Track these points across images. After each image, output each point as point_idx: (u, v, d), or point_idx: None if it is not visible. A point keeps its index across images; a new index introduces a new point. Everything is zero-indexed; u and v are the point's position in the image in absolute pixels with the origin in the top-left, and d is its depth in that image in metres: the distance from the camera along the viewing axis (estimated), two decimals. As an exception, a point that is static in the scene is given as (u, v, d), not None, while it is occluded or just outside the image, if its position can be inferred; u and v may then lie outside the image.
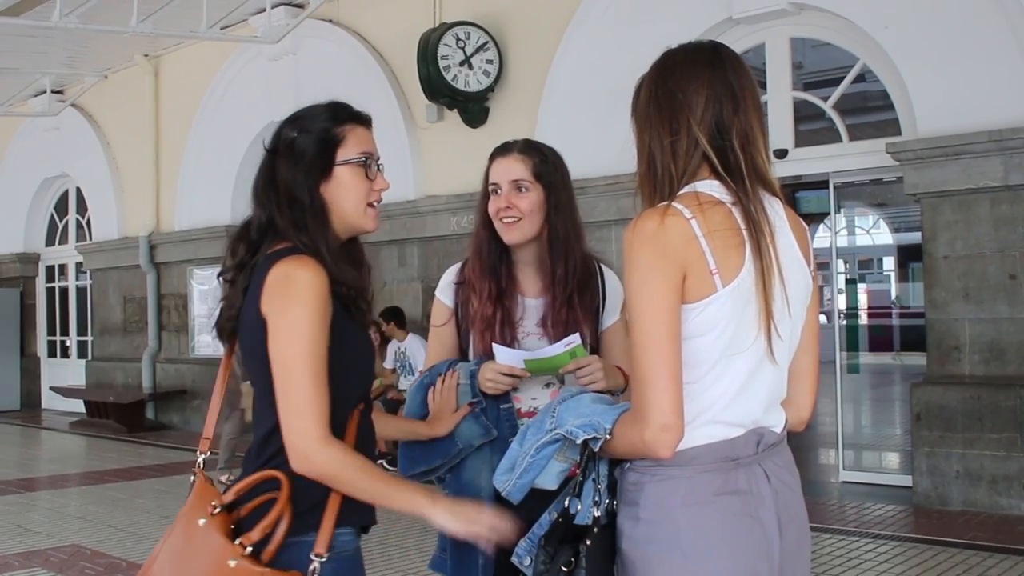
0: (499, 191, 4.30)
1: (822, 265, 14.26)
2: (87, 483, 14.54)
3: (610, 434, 2.98)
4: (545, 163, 4.36)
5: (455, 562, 4.11)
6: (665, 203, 2.99)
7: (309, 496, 3.14)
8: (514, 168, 4.31)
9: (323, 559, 3.12)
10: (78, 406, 22.09)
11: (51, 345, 25.43)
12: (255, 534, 3.08)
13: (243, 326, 3.27)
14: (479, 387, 4.11)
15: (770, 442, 3.09)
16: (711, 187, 3.03)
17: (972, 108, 10.53)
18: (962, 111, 10.57)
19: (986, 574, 8.44)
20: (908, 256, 23.52)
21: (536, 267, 4.36)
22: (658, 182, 3.08)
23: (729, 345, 2.97)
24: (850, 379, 13.93)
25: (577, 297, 4.27)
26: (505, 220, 4.26)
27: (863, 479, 12.24)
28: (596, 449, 3.01)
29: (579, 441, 3.01)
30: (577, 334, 4.11)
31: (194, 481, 3.29)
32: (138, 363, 21.05)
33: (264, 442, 3.23)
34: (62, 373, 24.28)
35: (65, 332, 25.02)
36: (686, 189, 3.03)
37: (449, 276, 4.48)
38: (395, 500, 3.21)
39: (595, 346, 4.30)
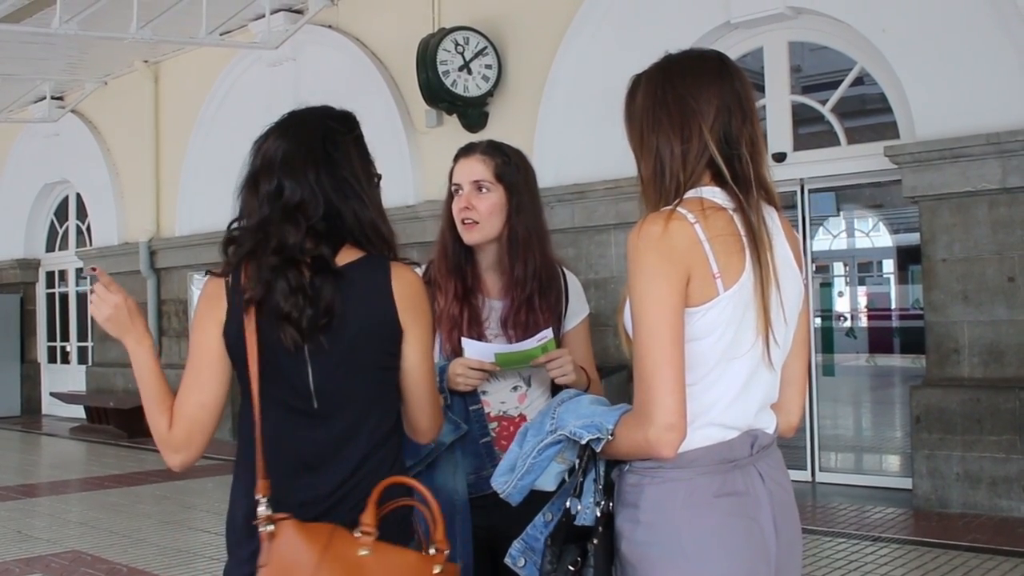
0: (460, 191, 4.33)
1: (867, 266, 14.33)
2: (87, 489, 14.54)
3: (612, 435, 3.00)
4: (508, 164, 4.37)
5: None
6: (669, 207, 3.01)
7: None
8: (476, 169, 4.33)
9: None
10: (78, 412, 22.08)
11: (51, 351, 25.40)
12: (440, 535, 3.15)
13: (352, 335, 3.22)
14: (448, 385, 4.13)
15: (764, 444, 3.12)
16: (713, 193, 3.07)
17: (970, 111, 10.54)
18: (960, 114, 10.58)
19: (986, 576, 8.47)
20: (907, 258, 23.53)
21: (497, 268, 4.37)
22: (665, 187, 3.10)
23: (728, 348, 3.00)
24: (828, 381, 13.95)
25: (539, 299, 4.27)
26: (465, 221, 4.29)
27: (864, 482, 12.25)
28: (598, 450, 3.03)
29: (584, 442, 3.02)
30: (549, 329, 4.16)
31: (269, 530, 3.10)
32: (138, 369, 21.01)
33: (371, 452, 3.25)
34: (62, 379, 24.27)
35: (65, 338, 25.00)
36: (691, 194, 3.06)
37: None
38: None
39: (557, 344, 4.29)
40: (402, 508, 3.20)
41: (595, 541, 3.03)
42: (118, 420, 20.08)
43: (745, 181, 3.09)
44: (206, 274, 3.43)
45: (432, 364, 3.43)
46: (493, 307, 4.33)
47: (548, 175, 13.74)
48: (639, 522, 3.00)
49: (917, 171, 10.72)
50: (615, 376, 12.65)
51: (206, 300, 3.35)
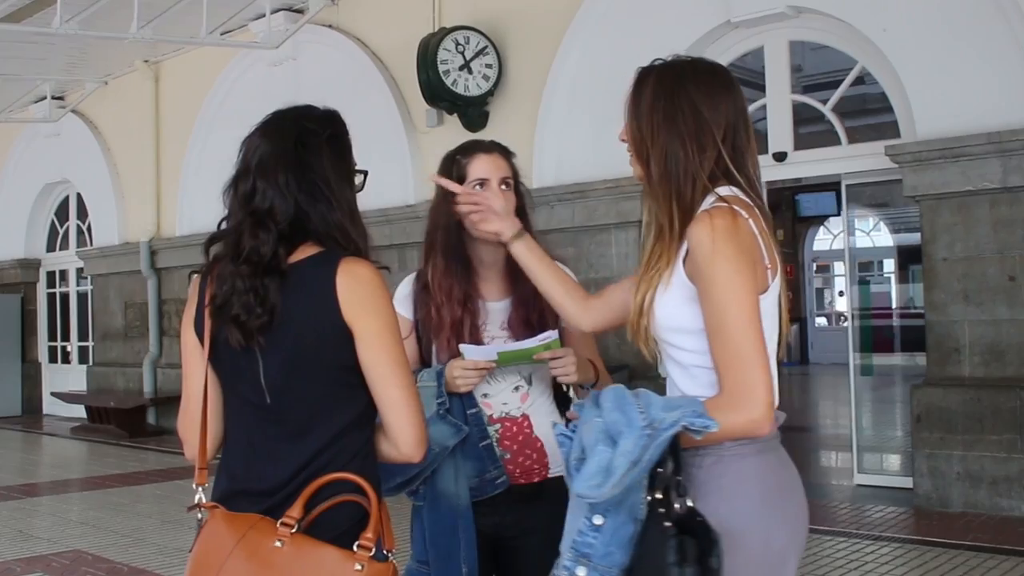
0: (486, 186, 4.26)
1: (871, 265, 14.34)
2: (88, 488, 14.55)
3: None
4: (514, 166, 4.39)
5: (438, 572, 4.11)
6: (724, 204, 3.12)
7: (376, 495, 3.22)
8: (501, 165, 4.32)
9: (393, 554, 3.19)
10: (79, 411, 22.07)
11: (52, 351, 25.41)
12: (371, 534, 3.11)
13: (297, 333, 3.22)
14: (447, 388, 4.10)
15: (780, 424, 3.24)
16: (738, 193, 3.21)
17: (971, 110, 10.54)
18: (961, 113, 10.58)
19: (987, 575, 8.46)
20: (908, 258, 23.54)
21: (500, 269, 4.34)
22: (679, 186, 3.21)
23: (769, 338, 3.15)
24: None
25: (541, 297, 4.20)
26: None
27: (865, 481, 12.24)
28: (699, 439, 3.03)
29: (700, 434, 2.98)
30: (556, 331, 4.14)
31: (204, 519, 3.26)
32: (139, 368, 21.07)
33: (323, 449, 3.22)
34: (63, 379, 24.27)
35: (66, 338, 25.01)
36: (724, 191, 3.18)
37: (405, 288, 4.43)
38: None
39: (561, 342, 4.27)
40: (347, 505, 3.17)
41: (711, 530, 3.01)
42: (119, 420, 20.09)
43: (756, 186, 3.28)
44: (190, 274, 3.55)
45: (395, 363, 3.25)
46: (489, 310, 4.30)
47: (548, 174, 13.75)
48: (723, 500, 3.08)
49: (918, 170, 10.71)
50: (615, 375, 12.64)
51: (188, 299, 3.50)
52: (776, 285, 3.18)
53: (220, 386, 3.40)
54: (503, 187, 4.27)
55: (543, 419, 4.28)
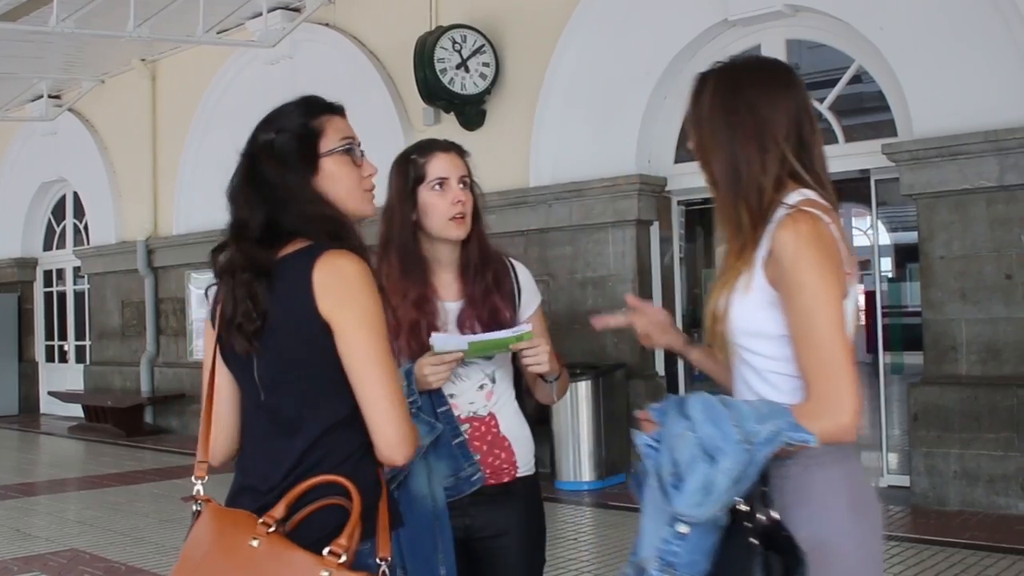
0: (444, 185, 4.20)
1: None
2: (86, 487, 14.55)
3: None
4: (468, 165, 4.35)
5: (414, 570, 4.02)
6: (807, 209, 3.09)
7: (369, 500, 3.15)
8: (459, 163, 4.28)
9: (389, 562, 3.14)
10: (76, 410, 22.09)
11: (49, 350, 25.43)
12: (345, 540, 3.03)
13: (279, 331, 3.19)
14: (418, 386, 4.03)
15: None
16: (813, 195, 3.17)
17: (968, 109, 10.54)
18: (958, 112, 10.58)
19: (984, 573, 8.46)
20: (905, 256, 23.53)
21: (456, 269, 4.28)
22: (745, 189, 3.18)
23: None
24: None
25: (496, 295, 4.23)
26: (458, 216, 4.18)
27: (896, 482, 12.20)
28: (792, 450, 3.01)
29: (797, 444, 2.94)
30: (528, 324, 4.14)
31: (199, 511, 3.24)
32: (136, 367, 21.08)
33: (312, 447, 3.18)
34: (60, 378, 24.30)
35: (63, 337, 25.02)
36: (795, 196, 3.15)
37: None
38: None
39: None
40: (334, 508, 3.12)
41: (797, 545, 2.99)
42: (116, 419, 20.10)
43: (827, 185, 3.24)
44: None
45: (371, 358, 3.14)
46: (448, 309, 4.24)
47: (545, 173, 13.77)
48: (814, 510, 3.05)
49: (915, 169, 10.72)
50: (612, 375, 12.67)
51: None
52: (854, 290, 3.16)
53: (234, 382, 3.41)
54: (461, 185, 4.22)
55: (508, 416, 4.27)
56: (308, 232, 3.24)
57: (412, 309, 4.15)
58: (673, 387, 13.15)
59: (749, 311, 3.14)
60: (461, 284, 4.27)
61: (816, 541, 2.96)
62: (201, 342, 19.00)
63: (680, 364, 13.11)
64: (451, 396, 4.14)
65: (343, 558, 3.01)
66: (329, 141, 3.36)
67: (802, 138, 3.21)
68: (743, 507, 2.91)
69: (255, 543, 3.05)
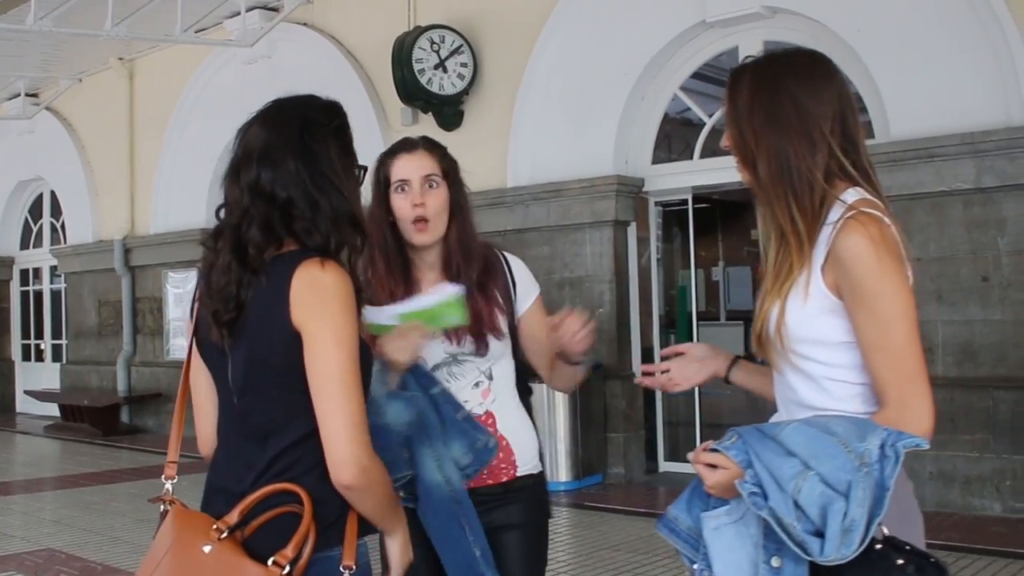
0: (407, 188, 4.14)
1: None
2: (62, 487, 14.52)
3: None
4: (447, 159, 4.27)
5: (451, 564, 3.95)
6: (869, 211, 3.01)
7: (331, 510, 3.10)
8: (424, 163, 4.19)
9: (353, 571, 3.10)
10: (52, 410, 22.06)
11: (25, 349, 25.37)
12: (290, 551, 2.99)
13: (252, 332, 3.14)
14: (393, 368, 3.87)
15: None
16: (865, 195, 3.10)
17: (944, 111, 10.57)
18: (934, 114, 10.61)
19: (959, 574, 8.48)
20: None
21: (440, 268, 4.21)
22: (795, 187, 3.08)
23: None
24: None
25: (485, 289, 4.18)
26: (417, 220, 4.11)
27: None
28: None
29: (922, 448, 2.93)
30: (461, 286, 4.02)
31: (166, 511, 3.24)
32: (113, 367, 21.03)
33: (282, 454, 3.13)
34: (36, 377, 24.22)
35: (39, 336, 24.95)
36: (852, 195, 3.07)
37: None
38: (395, 518, 3.30)
39: (513, 332, 4.25)
40: (292, 516, 3.07)
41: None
42: (92, 418, 20.07)
43: (875, 181, 3.17)
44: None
45: (329, 374, 3.04)
46: None
47: (523, 173, 13.78)
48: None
49: (891, 171, 10.73)
50: (589, 375, 12.67)
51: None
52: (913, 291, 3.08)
53: (192, 379, 3.37)
54: (428, 186, 4.15)
55: (508, 414, 4.21)
56: (332, 231, 3.19)
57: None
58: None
59: (808, 317, 3.06)
60: (448, 282, 4.16)
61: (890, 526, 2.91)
62: (179, 341, 19.02)
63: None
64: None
65: (286, 569, 2.98)
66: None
67: (847, 131, 3.13)
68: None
69: (207, 548, 3.03)
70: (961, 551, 9.04)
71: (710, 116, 13.08)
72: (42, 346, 24.89)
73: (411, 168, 4.17)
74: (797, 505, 2.75)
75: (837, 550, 2.70)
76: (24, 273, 25.35)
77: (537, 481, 4.26)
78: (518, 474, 4.17)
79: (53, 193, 23.85)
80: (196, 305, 3.32)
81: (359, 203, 3.31)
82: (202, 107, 19.04)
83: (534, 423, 4.37)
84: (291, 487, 3.07)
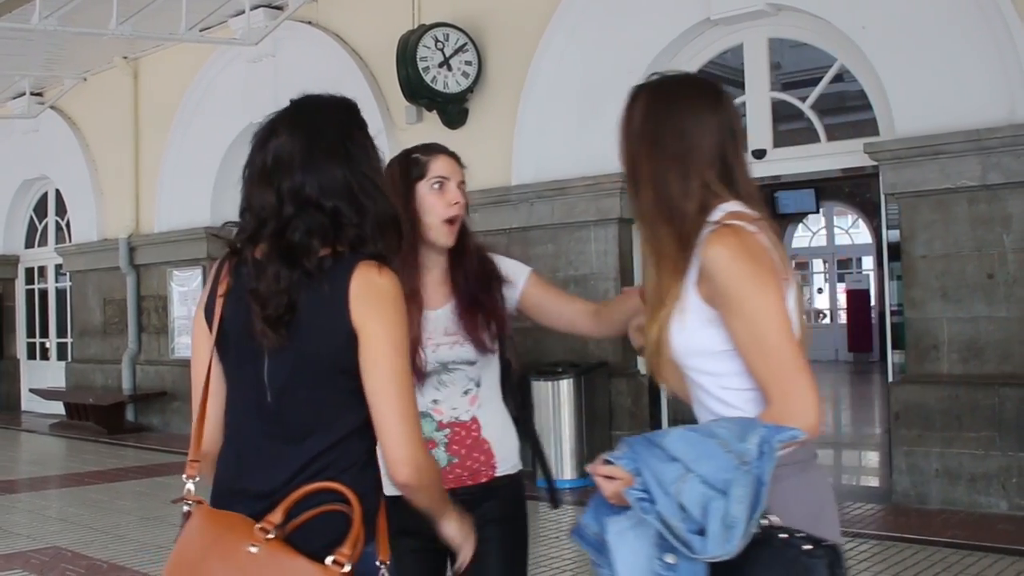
0: (445, 186, 4.19)
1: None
2: (67, 485, 14.54)
3: None
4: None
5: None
6: (730, 223, 3.10)
7: (368, 507, 3.11)
8: (459, 170, 4.27)
9: (388, 565, 3.14)
10: (58, 408, 22.05)
11: (30, 347, 25.39)
12: (347, 549, 3.00)
13: (305, 333, 3.14)
14: None
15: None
16: (740, 206, 3.18)
17: (949, 108, 10.56)
18: (940, 111, 10.60)
19: (965, 572, 8.47)
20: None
21: (440, 275, 4.25)
22: (671, 212, 3.19)
23: None
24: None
25: (487, 294, 4.22)
26: (450, 222, 4.15)
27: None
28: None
29: (799, 439, 2.96)
30: None
31: (189, 512, 3.18)
32: (118, 365, 21.03)
33: (320, 455, 3.14)
34: (42, 375, 24.26)
35: (44, 334, 24.97)
36: (718, 213, 3.16)
37: None
38: (445, 507, 3.42)
39: (500, 335, 4.29)
40: (335, 515, 3.08)
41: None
42: (97, 416, 20.08)
43: (753, 198, 3.25)
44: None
45: (396, 371, 3.13)
46: (430, 318, 4.18)
47: (527, 171, 13.78)
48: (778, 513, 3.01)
49: (897, 168, 10.73)
50: (595, 373, 12.68)
51: (205, 286, 3.37)
52: (792, 294, 3.15)
53: (224, 379, 3.31)
54: (460, 191, 4.22)
55: (492, 420, 4.25)
56: (376, 234, 3.21)
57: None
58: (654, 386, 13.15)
59: (688, 333, 3.15)
60: (447, 290, 4.24)
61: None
62: (184, 339, 19.02)
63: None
64: (435, 402, 4.13)
65: (346, 567, 2.98)
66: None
67: (726, 160, 3.22)
68: (766, 521, 2.90)
69: (254, 549, 3.00)
70: (967, 549, 9.04)
71: (715, 114, 13.06)
72: (47, 344, 24.91)
73: (451, 169, 4.23)
74: (682, 507, 2.85)
75: (720, 546, 2.81)
76: (29, 271, 25.37)
77: (515, 479, 4.32)
78: (496, 475, 4.22)
79: (58, 192, 23.87)
80: (217, 306, 3.27)
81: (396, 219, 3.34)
82: (206, 105, 19.04)
83: (522, 421, 4.42)
84: (336, 486, 3.08)
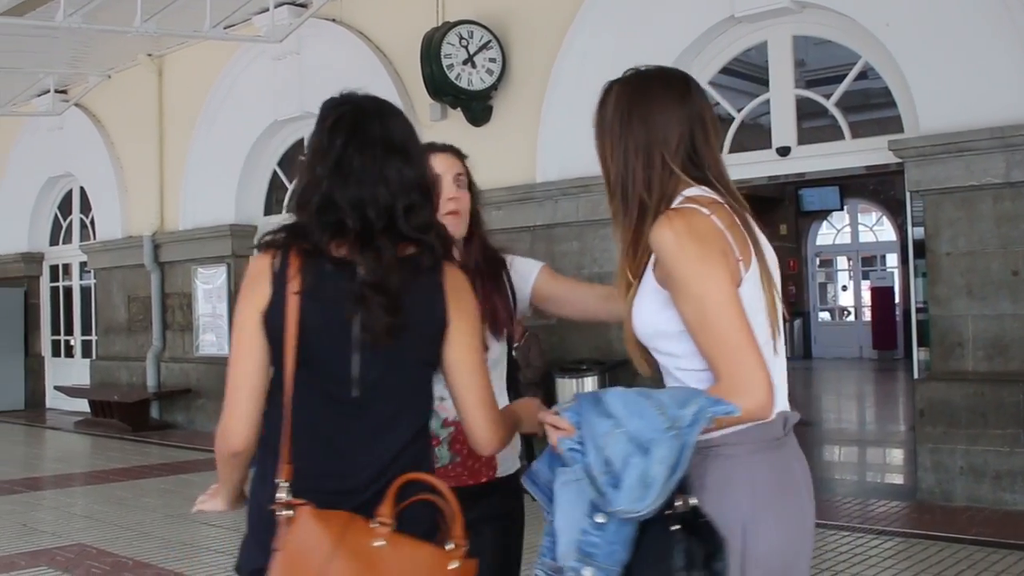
0: (441, 183, 4.14)
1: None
2: (92, 482, 14.57)
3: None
4: (466, 167, 4.36)
5: None
6: (684, 206, 3.17)
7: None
8: (455, 163, 4.29)
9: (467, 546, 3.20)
10: (82, 405, 22.10)
11: (55, 344, 25.43)
12: (459, 531, 3.15)
13: (406, 327, 3.19)
14: None
15: (792, 423, 3.26)
16: (703, 191, 3.23)
17: (974, 105, 10.54)
18: (964, 108, 10.58)
19: (990, 569, 8.46)
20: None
21: None
22: (635, 199, 3.29)
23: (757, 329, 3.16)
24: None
25: (495, 297, 4.22)
26: (449, 213, 4.13)
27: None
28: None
29: (735, 415, 2.98)
30: None
31: (291, 517, 3.07)
32: (142, 362, 21.10)
33: (406, 447, 3.25)
34: (66, 372, 24.31)
35: (69, 332, 25.02)
36: (677, 200, 3.23)
37: None
38: (521, 423, 3.64)
39: (510, 336, 4.34)
40: (424, 504, 3.16)
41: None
42: (122, 414, 20.13)
43: (724, 184, 3.31)
44: (258, 249, 3.30)
45: (480, 362, 3.38)
46: None
47: (552, 168, 13.77)
48: (708, 499, 3.05)
49: (921, 165, 10.72)
50: (619, 370, 12.67)
51: (248, 281, 3.25)
52: (752, 277, 3.15)
53: (286, 376, 3.18)
54: (456, 185, 4.23)
55: None
56: (424, 235, 3.26)
57: None
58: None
59: (647, 314, 3.23)
60: None
61: (737, 527, 3.02)
62: (209, 336, 19.05)
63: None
64: (441, 399, 4.12)
65: (465, 547, 3.13)
66: None
67: (695, 148, 3.29)
68: (680, 502, 2.97)
69: (380, 543, 3.05)
70: (992, 546, 9.02)
71: (739, 111, 13.08)
72: (72, 342, 24.96)
73: (444, 166, 4.24)
74: (607, 462, 2.92)
75: (631, 503, 2.87)
76: (54, 269, 25.43)
77: (513, 479, 4.33)
78: (497, 475, 4.25)
79: (82, 189, 23.91)
80: (290, 304, 3.16)
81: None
82: (231, 103, 19.07)
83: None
84: (424, 477, 3.20)
